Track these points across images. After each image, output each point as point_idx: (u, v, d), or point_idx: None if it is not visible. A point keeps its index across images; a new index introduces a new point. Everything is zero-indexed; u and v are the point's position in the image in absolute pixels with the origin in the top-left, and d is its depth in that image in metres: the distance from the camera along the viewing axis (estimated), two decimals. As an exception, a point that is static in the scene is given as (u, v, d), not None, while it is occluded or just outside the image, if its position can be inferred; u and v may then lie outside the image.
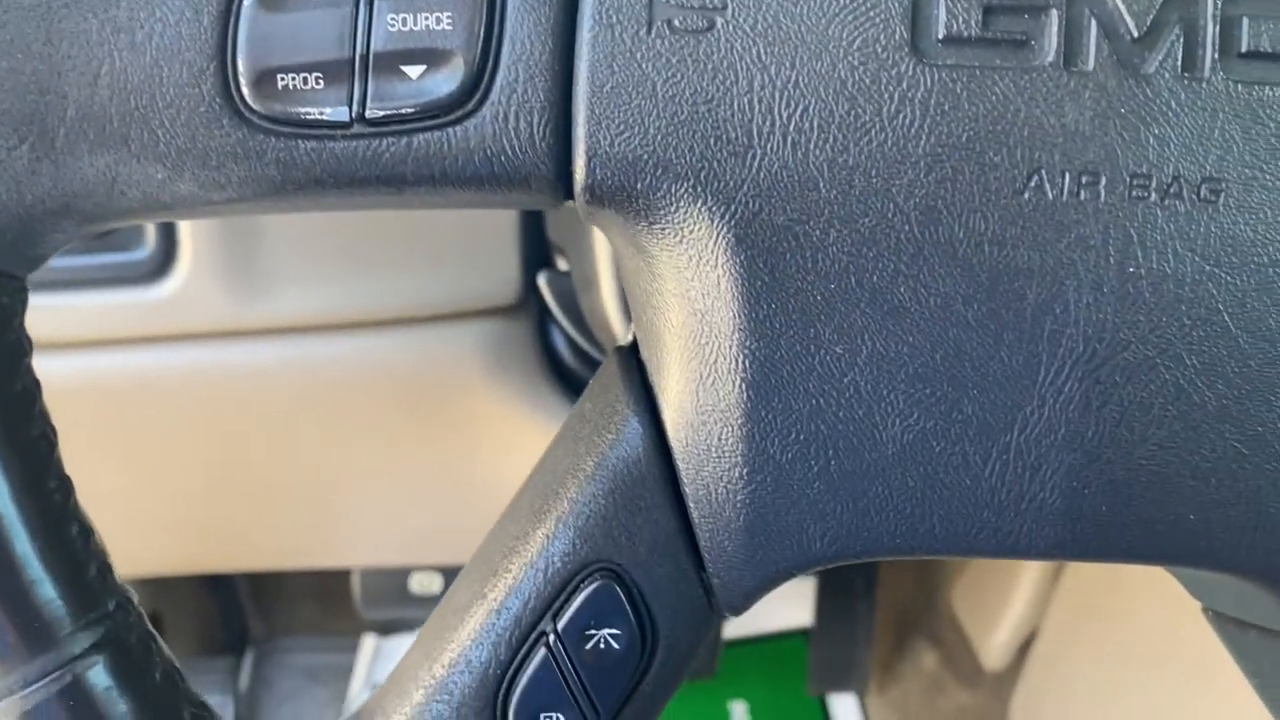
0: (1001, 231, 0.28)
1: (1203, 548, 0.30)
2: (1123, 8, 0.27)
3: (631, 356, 0.32)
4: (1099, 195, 0.27)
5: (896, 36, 0.27)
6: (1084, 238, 0.28)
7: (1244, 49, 0.27)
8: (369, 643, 1.41)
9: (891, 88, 0.27)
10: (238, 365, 0.65)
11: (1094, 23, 0.27)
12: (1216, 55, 0.27)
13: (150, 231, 0.61)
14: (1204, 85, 0.27)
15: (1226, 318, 0.28)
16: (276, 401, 0.68)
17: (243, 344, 0.65)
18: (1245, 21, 0.27)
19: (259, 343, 0.65)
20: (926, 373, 0.28)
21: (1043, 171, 0.27)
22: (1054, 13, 0.27)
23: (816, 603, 1.42)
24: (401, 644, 1.45)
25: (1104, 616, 1.14)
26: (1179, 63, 0.27)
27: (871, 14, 0.27)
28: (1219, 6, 0.27)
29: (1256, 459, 0.29)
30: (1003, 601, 1.30)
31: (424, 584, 0.97)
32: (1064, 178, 0.27)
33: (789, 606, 1.46)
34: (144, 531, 0.81)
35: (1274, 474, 0.30)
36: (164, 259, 0.61)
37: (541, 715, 0.30)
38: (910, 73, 0.27)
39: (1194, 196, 0.28)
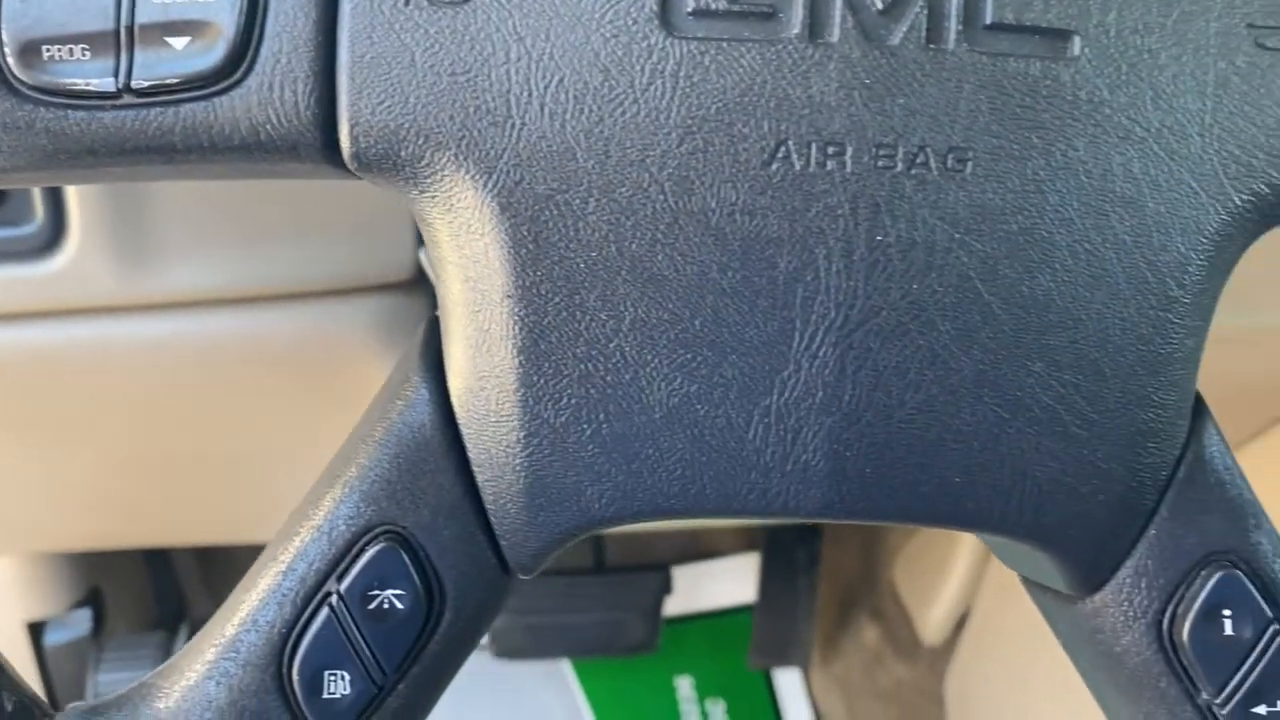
0: (752, 201, 0.28)
1: (970, 510, 0.31)
2: None
3: (434, 326, 0.32)
4: (845, 165, 0.28)
5: (646, 10, 0.28)
6: (832, 207, 0.28)
7: (989, 21, 0.28)
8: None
9: (642, 60, 0.28)
10: (134, 340, 0.66)
11: None
12: (961, 27, 0.28)
13: (39, 206, 0.61)
14: (949, 57, 0.28)
15: (979, 285, 0.29)
16: (176, 376, 0.68)
17: (137, 319, 0.65)
18: None
19: (153, 318, 0.65)
20: (687, 338, 0.29)
21: (790, 142, 0.28)
22: None
23: (760, 578, 1.43)
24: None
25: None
26: (923, 34, 0.28)
27: None
28: None
29: (1017, 423, 0.30)
30: (940, 577, 1.32)
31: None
32: (810, 148, 0.28)
33: (734, 582, 1.47)
34: (64, 507, 0.82)
35: (1035, 438, 0.30)
36: (53, 233, 0.61)
37: (325, 673, 0.31)
38: (660, 45, 0.28)
39: (941, 166, 0.28)
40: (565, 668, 1.39)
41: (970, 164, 0.28)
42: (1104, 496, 0.31)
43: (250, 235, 0.64)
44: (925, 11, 0.28)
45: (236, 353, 0.67)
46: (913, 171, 0.28)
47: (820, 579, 1.45)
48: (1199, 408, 0.33)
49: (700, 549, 1.45)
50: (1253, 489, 0.33)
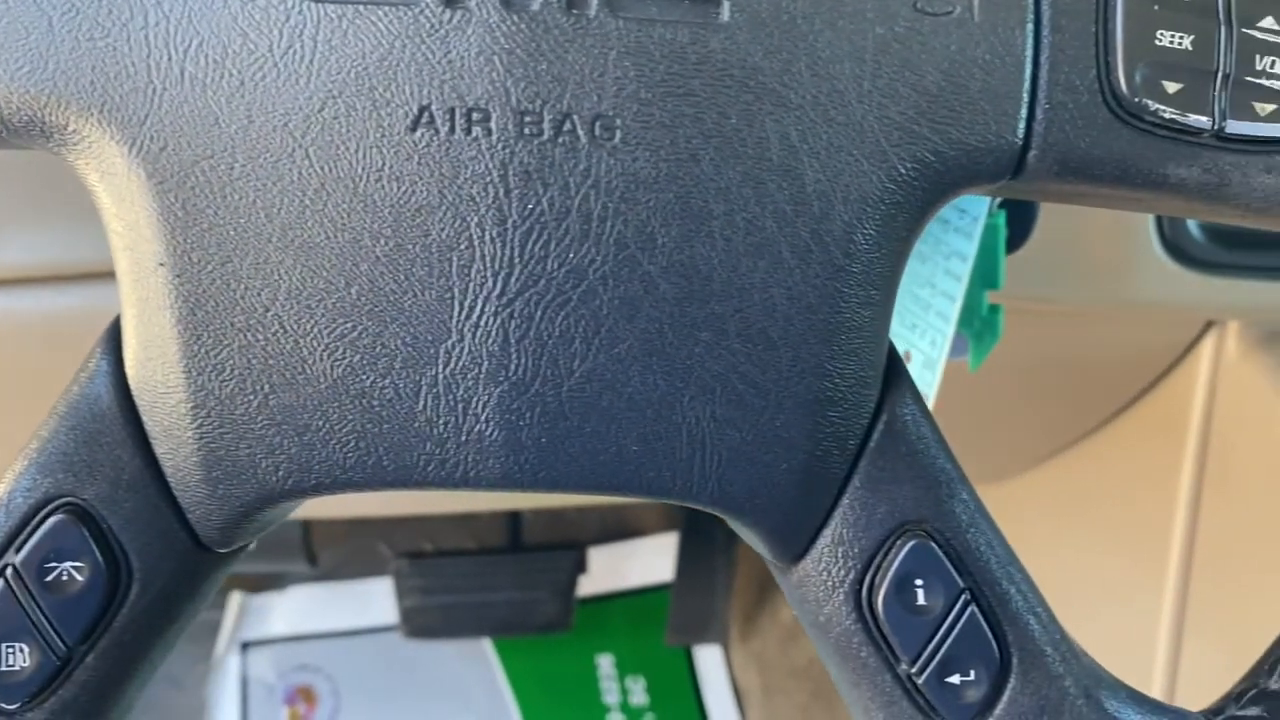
0: (399, 168, 0.28)
1: (652, 478, 0.31)
2: None
3: None
4: (491, 133, 0.28)
5: None
6: (480, 175, 0.28)
7: None
8: (236, 599, 1.42)
9: (280, 24, 0.27)
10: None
11: None
12: None
13: None
14: (591, 23, 0.28)
15: (638, 254, 0.29)
16: (20, 353, 0.68)
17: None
18: None
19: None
20: (346, 308, 0.29)
21: (432, 109, 0.28)
22: None
23: (678, 557, 1.44)
24: (268, 600, 1.46)
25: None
26: (565, 1, 0.28)
27: None
28: None
29: (690, 392, 0.30)
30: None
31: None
32: (453, 115, 0.28)
33: (654, 561, 1.48)
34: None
35: (709, 407, 0.30)
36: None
37: (3, 645, 0.30)
38: (298, 9, 0.27)
39: (589, 134, 0.28)
40: (486, 646, 1.39)
41: (619, 132, 0.28)
42: (787, 466, 0.31)
43: (87, 210, 0.64)
44: None
45: (80, 328, 0.66)
46: (560, 139, 0.28)
47: (739, 557, 1.46)
48: (895, 376, 0.33)
49: (621, 528, 1.46)
50: (952, 456, 0.33)
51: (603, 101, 0.28)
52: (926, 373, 0.56)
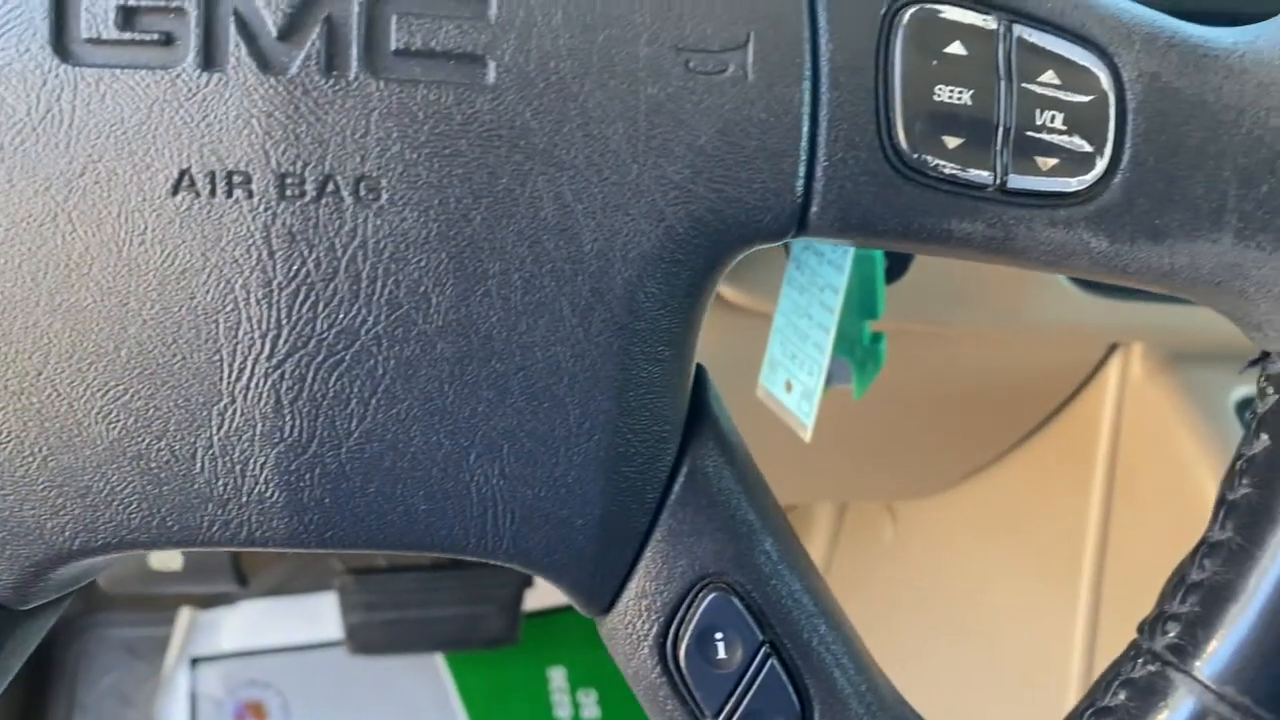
0: (162, 232, 0.28)
1: (444, 536, 0.31)
2: (262, 7, 0.27)
3: None
4: (252, 195, 0.28)
5: (39, 37, 0.27)
6: (243, 237, 0.28)
7: (394, 47, 0.28)
8: (185, 615, 1.41)
9: (37, 88, 0.27)
10: None
11: (233, 23, 0.27)
12: (363, 54, 0.28)
13: None
14: (352, 84, 0.28)
15: (413, 314, 0.29)
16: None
17: None
18: (394, 19, 0.28)
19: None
20: (118, 371, 0.29)
21: (193, 172, 0.28)
22: (193, 13, 0.27)
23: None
24: (218, 617, 1.45)
25: (881, 571, 1.16)
26: (323, 62, 0.27)
27: (15, 12, 0.27)
28: (364, 4, 0.27)
29: (476, 450, 0.30)
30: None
31: (163, 560, 0.98)
32: (214, 178, 0.28)
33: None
34: None
35: (498, 464, 0.30)
36: None
37: None
38: (55, 73, 0.27)
39: (353, 195, 0.28)
40: (437, 660, 1.39)
41: (385, 193, 0.28)
42: (583, 521, 0.31)
43: None
44: (323, 39, 0.27)
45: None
46: (324, 201, 0.28)
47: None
48: (699, 425, 0.32)
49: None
50: (761, 505, 0.33)
51: (366, 162, 0.28)
52: (805, 403, 0.56)
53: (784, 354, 0.58)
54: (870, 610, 1.17)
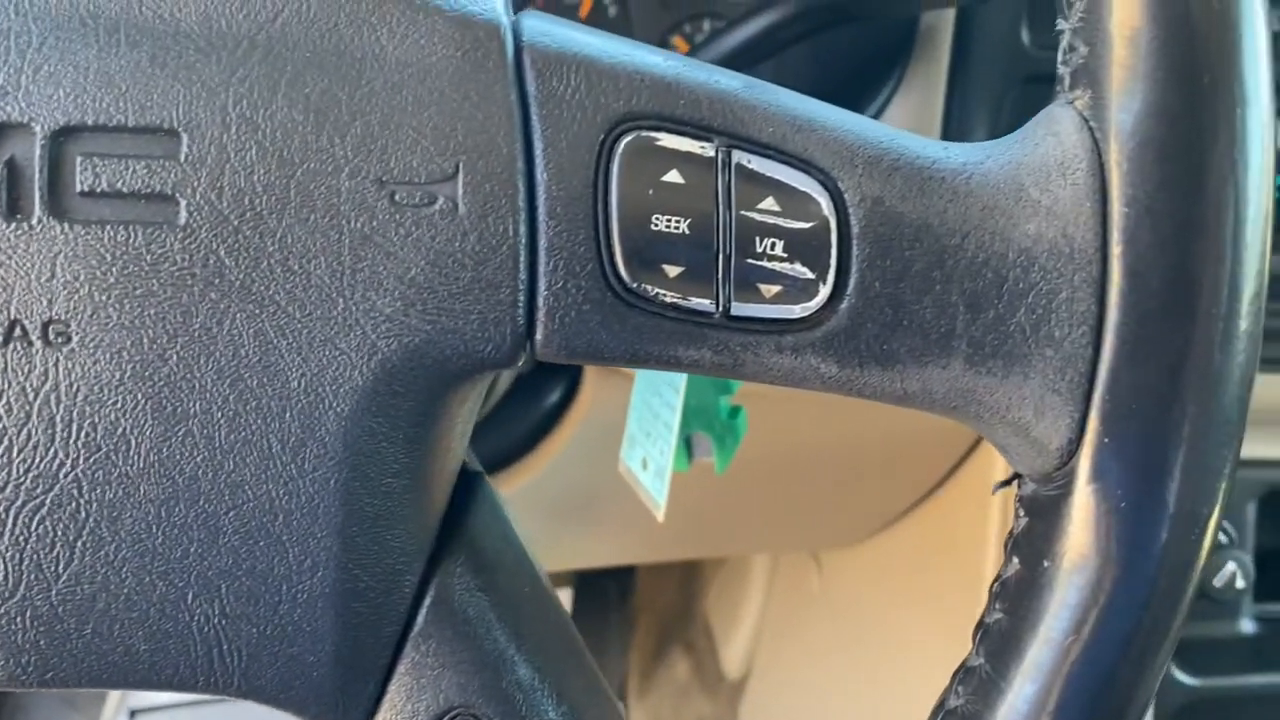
0: None
1: (170, 674, 0.30)
2: None
3: None
4: None
5: None
6: None
7: (80, 189, 0.27)
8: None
9: None
10: None
11: None
12: (46, 197, 0.27)
13: None
14: (35, 229, 0.27)
15: (113, 456, 0.28)
16: None
17: None
18: (78, 160, 0.27)
19: None
20: None
21: None
22: None
23: (571, 613, 1.42)
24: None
25: (810, 620, 1.15)
26: (4, 207, 0.27)
27: None
28: (46, 146, 0.27)
29: (194, 590, 0.29)
30: (740, 610, 1.31)
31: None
32: None
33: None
34: None
35: (219, 604, 0.29)
36: None
37: None
38: None
39: (41, 339, 0.27)
40: None
41: (75, 336, 0.27)
42: (316, 659, 0.30)
43: None
44: (4, 183, 0.27)
45: None
46: (12, 346, 0.27)
47: (639, 612, 1.44)
48: (448, 550, 0.32)
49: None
50: (518, 629, 0.32)
51: (53, 306, 0.27)
52: (658, 481, 0.55)
53: (640, 430, 0.57)
54: (801, 657, 1.16)
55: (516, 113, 0.28)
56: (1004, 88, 0.65)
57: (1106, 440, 0.28)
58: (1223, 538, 0.69)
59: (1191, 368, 0.27)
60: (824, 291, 0.29)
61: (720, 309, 0.29)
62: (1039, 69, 0.64)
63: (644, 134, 0.28)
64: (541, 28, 0.29)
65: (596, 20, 0.69)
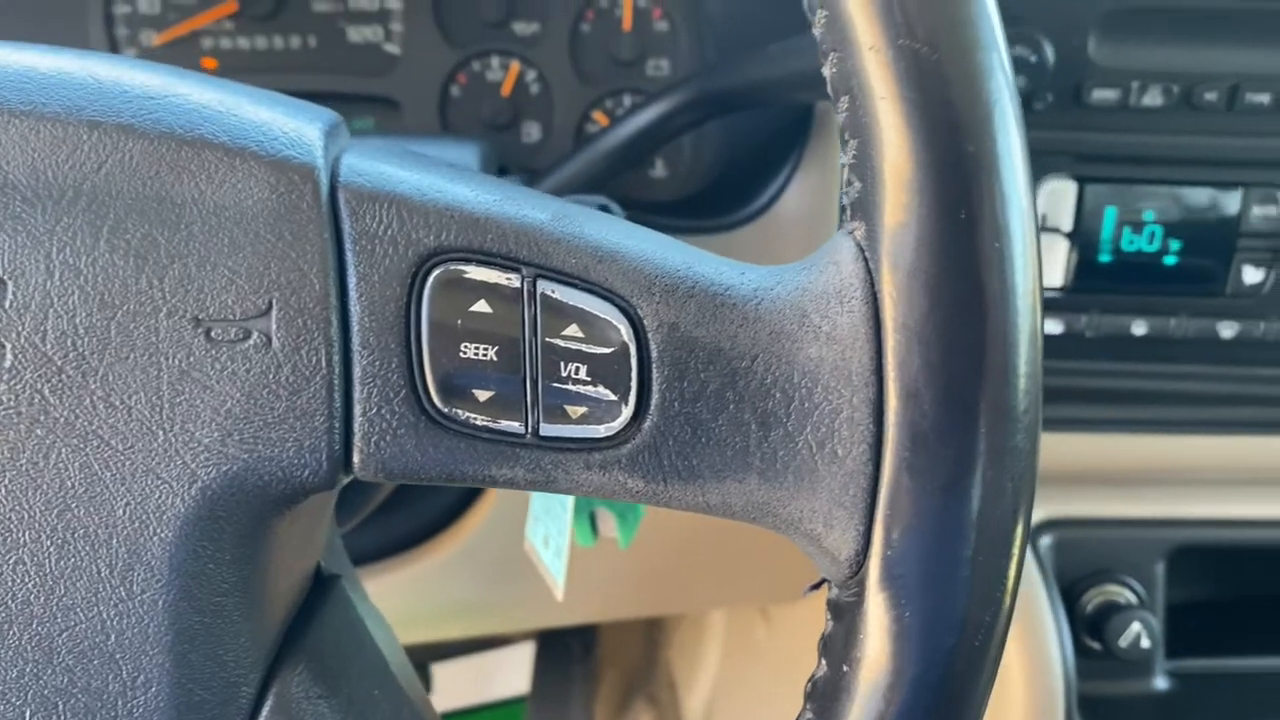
0: None
1: None
2: None
3: None
4: None
5: None
6: None
7: None
8: None
9: None
10: None
11: None
12: None
13: None
14: None
15: None
16: None
17: None
18: None
19: None
20: None
21: None
22: None
23: (534, 668, 1.43)
24: None
25: (761, 671, 1.16)
26: None
27: None
28: None
29: (30, 709, 0.31)
30: (699, 663, 1.32)
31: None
32: None
33: (510, 673, 1.47)
34: None
35: None
36: None
37: None
38: None
39: None
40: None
41: None
42: None
43: None
44: None
45: None
46: None
47: (604, 665, 1.45)
48: (290, 657, 0.33)
49: (470, 642, 1.45)
50: None
51: None
52: (556, 560, 0.56)
53: (542, 508, 0.58)
54: (756, 706, 1.17)
55: (331, 249, 0.30)
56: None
57: (889, 552, 0.29)
58: (1131, 597, 0.70)
59: (966, 484, 0.29)
60: (626, 412, 0.30)
61: (530, 430, 0.30)
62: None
63: (453, 266, 0.30)
64: (359, 167, 0.31)
65: (520, 98, 0.71)
